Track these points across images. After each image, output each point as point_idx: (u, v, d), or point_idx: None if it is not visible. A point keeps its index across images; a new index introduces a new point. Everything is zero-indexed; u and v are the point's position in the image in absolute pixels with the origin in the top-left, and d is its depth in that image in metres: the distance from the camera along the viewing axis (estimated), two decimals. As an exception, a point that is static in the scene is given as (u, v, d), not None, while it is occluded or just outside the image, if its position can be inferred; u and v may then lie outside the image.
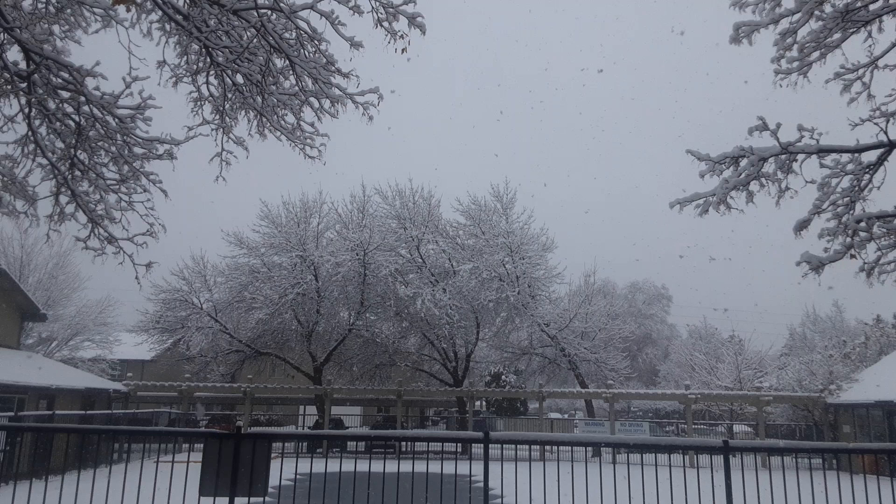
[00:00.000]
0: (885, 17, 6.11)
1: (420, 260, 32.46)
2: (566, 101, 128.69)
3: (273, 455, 7.54)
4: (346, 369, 35.53)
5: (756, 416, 30.76)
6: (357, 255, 30.61)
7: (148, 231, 7.29)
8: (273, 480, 7.00)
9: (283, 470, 7.14)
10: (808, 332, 57.95)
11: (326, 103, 6.93)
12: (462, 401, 34.18)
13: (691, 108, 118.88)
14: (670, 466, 7.66)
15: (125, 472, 5.45)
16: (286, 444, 27.83)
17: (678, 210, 7.26)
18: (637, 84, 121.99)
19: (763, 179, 6.85)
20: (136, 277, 7.40)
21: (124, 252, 7.30)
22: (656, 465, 7.87)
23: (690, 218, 7.11)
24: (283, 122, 7.45)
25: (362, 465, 6.85)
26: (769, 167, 6.80)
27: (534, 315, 33.08)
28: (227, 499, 6.66)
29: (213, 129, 7.41)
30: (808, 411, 31.03)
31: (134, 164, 7.44)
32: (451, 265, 32.86)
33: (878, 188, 6.35)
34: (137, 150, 7.43)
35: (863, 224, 6.27)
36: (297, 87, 6.98)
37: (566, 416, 53.81)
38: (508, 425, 42.33)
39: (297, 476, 7.49)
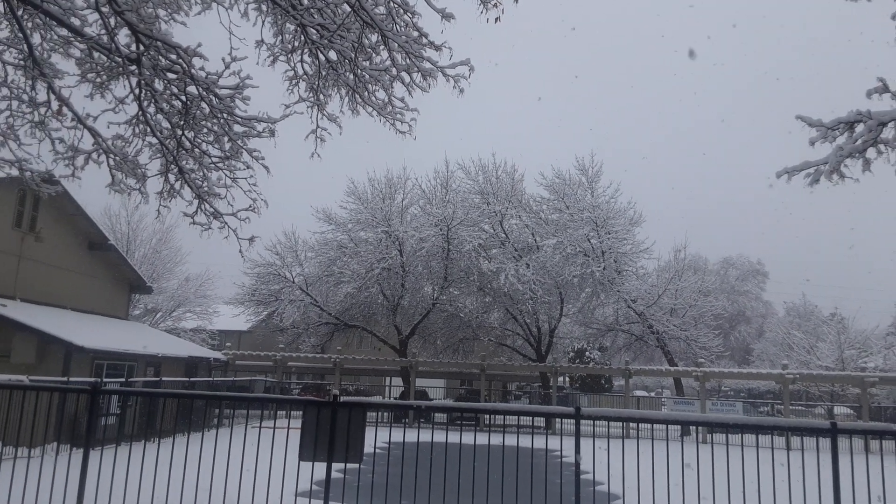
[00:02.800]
0: None
1: (503, 235, 32.34)
2: (672, 72, 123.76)
3: (366, 423, 7.76)
4: (430, 342, 36.09)
5: (859, 398, 29.07)
6: (440, 230, 30.85)
7: (251, 206, 7.58)
8: (367, 448, 7.22)
9: (376, 438, 7.35)
10: (920, 311, 53.94)
11: (417, 77, 6.94)
12: (545, 376, 34.07)
13: (803, 79, 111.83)
14: (772, 448, 7.36)
15: (230, 437, 5.76)
16: (376, 414, 28.66)
17: (786, 180, 6.85)
18: (743, 59, 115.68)
19: (882, 146, 6.35)
20: (240, 251, 7.73)
21: (229, 227, 7.64)
22: (757, 447, 7.58)
23: (795, 190, 6.70)
24: (374, 98, 7.52)
25: (448, 437, 6.96)
26: (889, 132, 6.29)
27: (620, 291, 32.36)
28: (324, 464, 6.93)
29: (308, 107, 7.58)
30: (920, 395, 29.05)
31: (236, 142, 7.72)
32: (535, 240, 32.57)
33: None
34: (238, 129, 7.70)
35: None
36: (388, 62, 7.02)
37: (653, 394, 52.67)
38: (592, 402, 41.85)
39: (390, 444, 7.70)
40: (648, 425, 11.83)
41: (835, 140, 6.79)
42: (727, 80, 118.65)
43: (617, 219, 33.16)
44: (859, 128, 6.59)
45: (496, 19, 5.65)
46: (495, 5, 5.58)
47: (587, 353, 45.71)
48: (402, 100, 7.82)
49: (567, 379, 47.51)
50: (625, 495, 6.69)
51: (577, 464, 6.50)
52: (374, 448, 7.46)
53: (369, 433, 7.14)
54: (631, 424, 23.47)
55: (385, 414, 28.82)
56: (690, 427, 25.03)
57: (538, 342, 34.74)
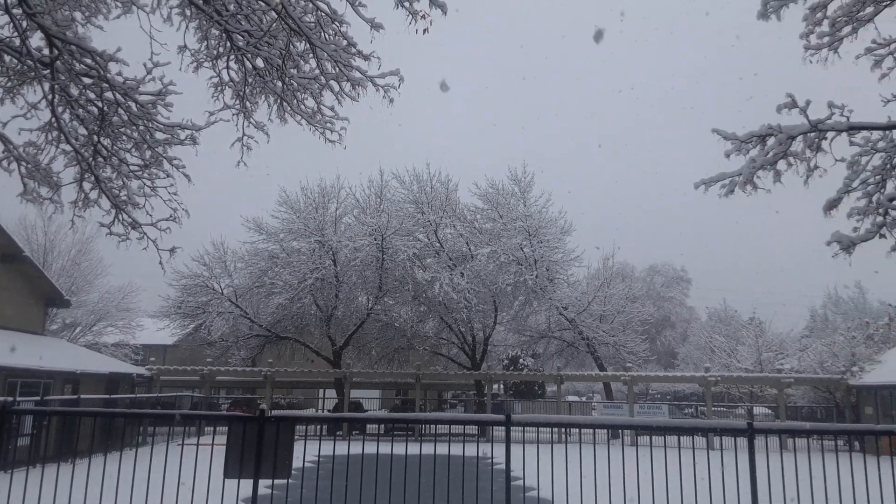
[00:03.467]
0: (921, -11, 5.94)
1: (438, 244, 32.47)
2: (591, 79, 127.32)
3: (295, 438, 7.60)
4: (365, 353, 35.77)
5: (776, 399, 30.55)
6: (375, 239, 30.69)
7: (171, 216, 7.33)
8: (295, 462, 7.07)
9: (305, 452, 7.21)
10: (830, 314, 57.34)
11: (347, 86, 6.89)
12: (480, 384, 34.29)
13: (719, 89, 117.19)
14: (693, 449, 7.63)
15: (151, 455, 5.52)
16: (307, 427, 28.12)
17: (703, 190, 7.15)
18: (659, 66, 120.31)
19: (791, 158, 6.72)
20: (160, 262, 7.46)
21: (148, 237, 7.36)
22: (679, 448, 7.84)
23: (713, 200, 7.01)
24: (303, 106, 7.42)
25: (381, 448, 6.91)
26: (797, 146, 6.67)
27: (552, 298, 32.98)
28: (251, 480, 6.75)
29: (233, 114, 7.41)
30: (830, 393, 30.76)
31: (156, 150, 7.46)
32: (469, 249, 32.83)
33: (911, 166, 6.21)
34: (159, 136, 7.45)
35: (895, 203, 6.14)
36: (317, 71, 6.95)
37: (584, 398, 53.82)
38: (526, 408, 42.40)
39: (320, 458, 7.57)
40: (582, 429, 12.03)
41: (748, 153, 7.14)
42: (654, 89, 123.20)
43: (548, 228, 33.85)
44: (770, 141, 6.96)
45: (424, 31, 5.68)
46: (423, 17, 5.62)
47: (521, 360, 46.31)
48: (332, 109, 7.76)
49: (501, 386, 47.99)
50: (554, 499, 6.80)
51: (508, 473, 6.56)
52: (304, 462, 7.31)
53: (299, 447, 6.99)
54: (563, 430, 23.87)
55: (318, 427, 28.33)
56: (619, 430, 25.68)
57: (473, 350, 34.96)
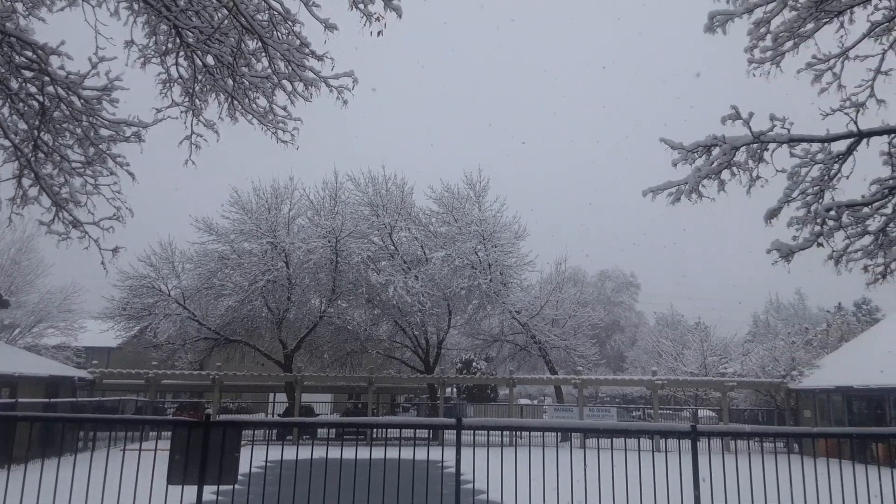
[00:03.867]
0: (856, 8, 6.22)
1: (392, 247, 32.37)
2: (543, 89, 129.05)
3: (243, 443, 7.47)
4: (317, 356, 35.36)
5: (720, 402, 31.44)
6: (329, 242, 30.41)
7: (114, 215, 7.11)
8: (243, 468, 6.94)
9: (252, 457, 7.08)
10: (772, 320, 59.37)
11: (300, 86, 6.82)
12: (433, 387, 34.28)
13: (666, 99, 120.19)
14: (639, 451, 7.79)
15: (90, 461, 5.34)
16: (256, 432, 27.62)
17: (651, 198, 7.32)
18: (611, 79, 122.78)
19: (734, 168, 6.94)
20: (103, 262, 7.22)
21: (90, 237, 7.12)
22: (626, 450, 7.99)
23: (663, 207, 7.19)
24: (254, 106, 7.31)
25: (333, 452, 6.84)
26: (741, 156, 6.89)
27: (505, 302, 33.24)
28: (195, 487, 6.59)
29: (182, 112, 7.25)
30: (771, 396, 31.80)
31: (100, 147, 7.24)
32: (424, 253, 32.83)
33: (847, 177, 6.49)
34: (104, 132, 7.23)
35: (832, 213, 6.39)
36: (269, 70, 6.85)
37: (535, 401, 54.39)
38: (479, 411, 42.59)
39: (268, 463, 7.44)
40: (532, 433, 12.24)
41: (694, 162, 7.33)
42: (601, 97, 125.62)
43: (503, 232, 34.12)
44: (715, 151, 7.16)
45: (379, 33, 5.66)
46: (377, 19, 5.60)
47: (474, 364, 46.50)
48: (284, 109, 7.66)
49: (455, 389, 48.07)
50: (503, 502, 6.84)
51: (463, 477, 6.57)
52: (250, 468, 7.18)
53: (248, 452, 6.87)
54: (516, 432, 24.06)
55: (266, 432, 27.84)
56: (569, 433, 26.05)
57: (426, 354, 34.94)
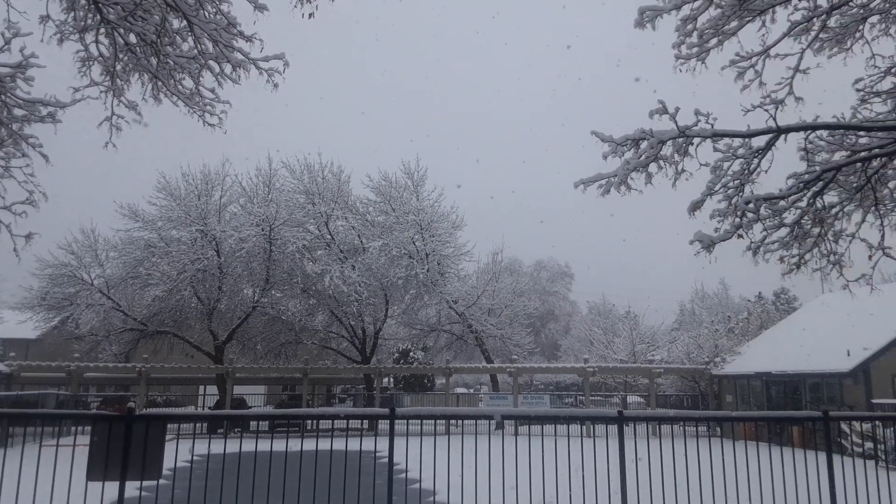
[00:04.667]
0: (777, 8, 6.50)
1: (329, 236, 31.97)
2: (478, 82, 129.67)
3: (169, 437, 7.24)
4: (250, 348, 34.63)
5: (648, 388, 32.55)
6: (262, 230, 29.74)
7: (27, 199, 6.72)
8: (169, 462, 6.73)
9: (178, 452, 6.87)
10: (697, 309, 61.69)
11: (227, 68, 6.59)
12: (370, 378, 34.14)
13: (600, 89, 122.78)
14: (568, 437, 7.96)
15: (3, 457, 5.05)
16: (185, 426, 26.84)
17: (582, 190, 7.45)
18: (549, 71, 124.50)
19: (661, 161, 7.12)
20: (15, 249, 6.82)
21: (1, 222, 6.70)
22: (555, 436, 8.16)
23: (597, 199, 7.31)
24: (180, 87, 7.02)
25: (266, 445, 6.71)
26: (667, 150, 7.07)
27: (442, 292, 33.38)
28: (117, 483, 6.35)
29: (102, 92, 6.89)
30: (695, 382, 33.13)
31: (12, 127, 6.82)
32: (361, 242, 32.57)
33: (766, 172, 6.78)
34: (17, 112, 6.81)
35: (751, 205, 6.67)
36: (195, 50, 6.59)
37: (472, 390, 54.94)
38: (416, 401, 42.68)
39: (195, 457, 7.24)
40: (468, 421, 12.32)
41: (623, 155, 7.50)
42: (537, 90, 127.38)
43: (440, 222, 34.21)
44: (643, 144, 7.34)
45: (310, 15, 5.52)
46: (308, 1, 5.46)
47: (411, 354, 46.54)
48: (212, 91, 7.40)
49: (392, 379, 48.04)
50: (436, 489, 6.87)
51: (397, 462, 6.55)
52: (175, 462, 6.96)
53: (174, 447, 6.65)
54: (453, 421, 24.23)
55: (194, 425, 27.13)
56: (504, 420, 26.45)
57: (363, 344, 34.74)
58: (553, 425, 7.73)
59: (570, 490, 6.95)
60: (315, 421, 25.74)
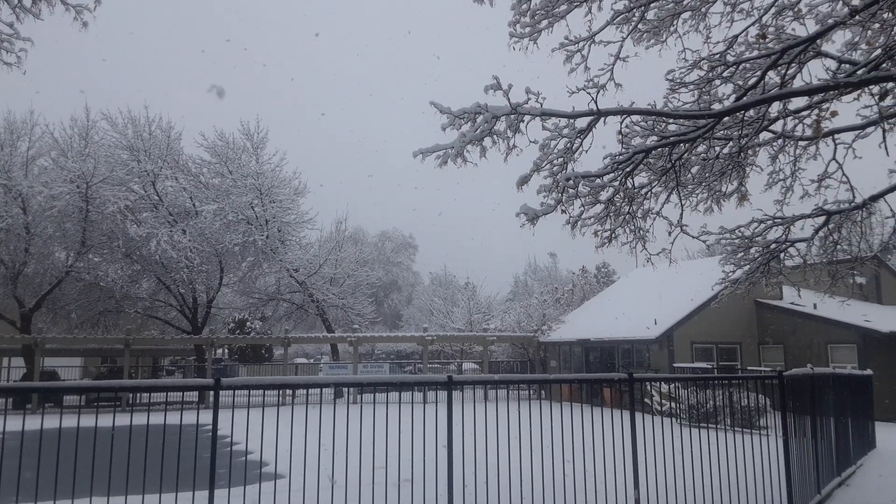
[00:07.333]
0: (603, -6, 6.97)
1: (156, 197, 29.80)
2: (313, 46, 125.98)
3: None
4: (63, 316, 31.59)
5: (482, 355, 34.13)
6: (78, 187, 27.03)
7: None
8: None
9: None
10: (529, 280, 65.47)
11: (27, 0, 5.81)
12: (201, 349, 32.55)
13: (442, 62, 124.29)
14: (399, 403, 8.14)
15: None
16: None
17: (421, 160, 7.52)
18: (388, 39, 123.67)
19: (495, 136, 7.36)
20: None
21: None
22: (387, 402, 8.29)
23: (439, 171, 7.41)
24: (-33, 17, 6.10)
25: (83, 421, 6.15)
26: (501, 125, 7.32)
27: (283, 260, 32.50)
28: None
29: None
30: (525, 349, 35.25)
31: None
32: (193, 205, 30.73)
33: (587, 151, 7.27)
34: None
35: (571, 182, 7.12)
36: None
37: (312, 360, 54.35)
38: (252, 372, 41.52)
39: (3, 434, 6.47)
40: (308, 390, 12.20)
41: (461, 128, 7.66)
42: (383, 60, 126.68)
43: (282, 188, 33.14)
44: (479, 119, 7.54)
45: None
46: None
47: (248, 324, 44.99)
48: (11, 26, 6.52)
49: (226, 350, 46.16)
50: (263, 458, 6.71)
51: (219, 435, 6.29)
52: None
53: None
54: (289, 391, 23.83)
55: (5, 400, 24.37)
56: (343, 388, 26.50)
57: (194, 313, 32.96)
58: (391, 392, 7.86)
59: (398, 452, 7.12)
60: (137, 394, 24.12)
